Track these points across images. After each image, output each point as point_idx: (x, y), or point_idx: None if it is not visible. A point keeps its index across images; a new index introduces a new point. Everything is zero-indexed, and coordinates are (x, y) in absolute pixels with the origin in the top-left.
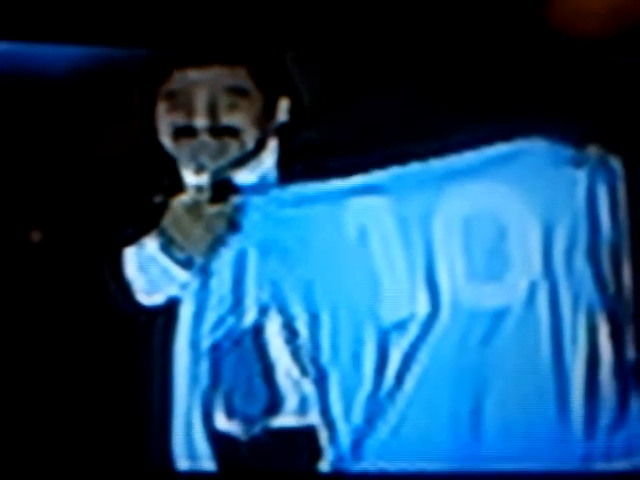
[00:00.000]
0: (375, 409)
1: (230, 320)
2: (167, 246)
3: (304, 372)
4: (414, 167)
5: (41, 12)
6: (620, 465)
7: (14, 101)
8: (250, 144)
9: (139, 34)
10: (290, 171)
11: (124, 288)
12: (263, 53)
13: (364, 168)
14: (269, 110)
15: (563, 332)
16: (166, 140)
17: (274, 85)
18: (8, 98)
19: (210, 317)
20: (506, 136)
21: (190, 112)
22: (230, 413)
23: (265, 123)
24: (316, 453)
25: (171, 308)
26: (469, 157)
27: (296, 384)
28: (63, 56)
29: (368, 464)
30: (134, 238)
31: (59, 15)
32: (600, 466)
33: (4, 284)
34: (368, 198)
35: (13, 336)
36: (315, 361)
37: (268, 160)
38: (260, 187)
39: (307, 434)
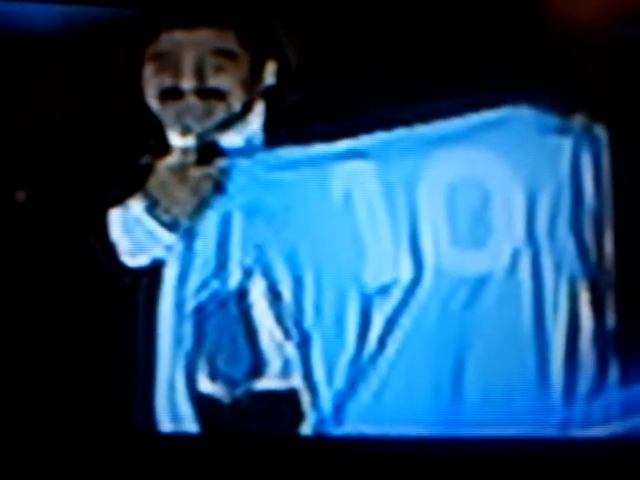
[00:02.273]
0: (357, 373)
1: (214, 283)
2: (152, 208)
3: (287, 335)
4: (400, 132)
5: None
6: (598, 432)
7: None
8: (236, 106)
9: None
10: (276, 135)
11: (109, 249)
12: (251, 16)
13: (350, 133)
14: (256, 73)
15: (544, 299)
16: (152, 102)
17: (261, 48)
18: None
19: (194, 279)
20: (492, 103)
21: (177, 74)
22: (213, 375)
23: (252, 86)
24: (298, 416)
25: (156, 270)
26: (455, 123)
27: (279, 347)
28: (48, 15)
29: (350, 428)
30: (119, 200)
31: None
32: (578, 432)
33: None
34: (353, 163)
35: None
36: (298, 324)
37: (254, 123)
38: (246, 150)
39: (289, 397)
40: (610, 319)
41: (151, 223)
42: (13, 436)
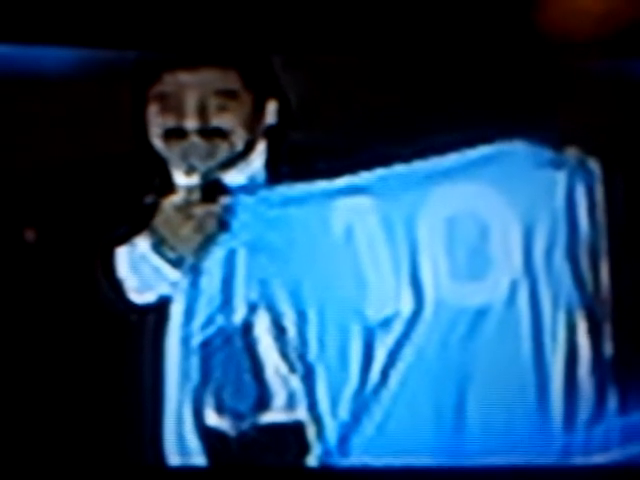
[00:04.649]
0: (361, 405)
1: (220, 318)
2: (158, 245)
3: (292, 369)
4: (399, 168)
5: (33, 14)
6: (598, 459)
7: (7, 102)
8: (239, 145)
9: (130, 36)
10: (278, 172)
11: (116, 287)
12: (252, 56)
13: (350, 169)
14: (258, 112)
15: (543, 329)
16: (157, 141)
17: (263, 88)
18: (1, 99)
19: (200, 315)
20: (488, 138)
21: (180, 114)
22: (220, 409)
23: (254, 125)
24: (304, 448)
25: (162, 306)
26: (452, 159)
27: (284, 380)
28: (54, 58)
29: (354, 459)
30: (126, 238)
31: (50, 17)
32: (579, 460)
33: None
34: (354, 199)
35: (5, 334)
36: (302, 358)
37: (257, 161)
38: (249, 188)
39: (295, 430)
40: (608, 348)
41: (157, 260)
42: (23, 471)
